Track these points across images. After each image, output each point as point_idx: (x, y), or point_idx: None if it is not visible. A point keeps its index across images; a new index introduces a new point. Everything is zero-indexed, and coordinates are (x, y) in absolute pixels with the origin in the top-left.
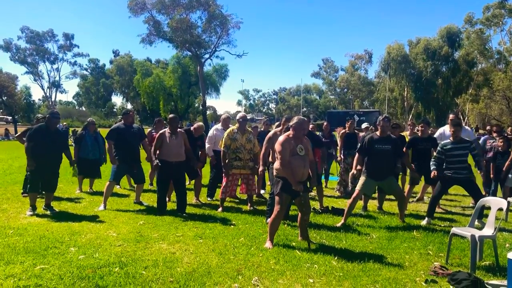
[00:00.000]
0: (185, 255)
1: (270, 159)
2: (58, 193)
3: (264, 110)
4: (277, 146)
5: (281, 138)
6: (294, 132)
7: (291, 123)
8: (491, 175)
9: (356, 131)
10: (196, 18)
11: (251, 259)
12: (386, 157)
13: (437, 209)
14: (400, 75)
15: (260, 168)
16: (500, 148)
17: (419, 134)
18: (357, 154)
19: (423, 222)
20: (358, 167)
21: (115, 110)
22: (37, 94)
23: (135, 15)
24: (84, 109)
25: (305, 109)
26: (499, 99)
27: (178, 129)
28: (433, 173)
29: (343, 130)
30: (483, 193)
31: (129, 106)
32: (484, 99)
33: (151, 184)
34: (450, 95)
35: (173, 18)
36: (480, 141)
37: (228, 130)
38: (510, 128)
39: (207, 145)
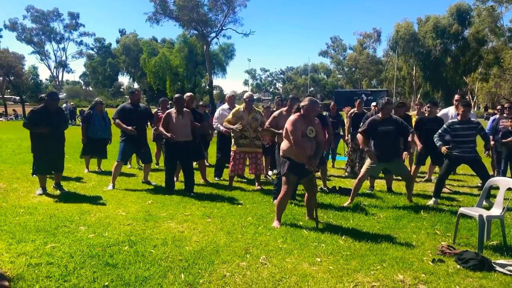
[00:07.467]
0: (193, 234)
1: (275, 139)
2: (66, 173)
3: (271, 90)
4: (289, 126)
5: (292, 118)
6: (306, 113)
7: (302, 104)
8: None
9: (365, 110)
10: None
11: (259, 238)
12: (391, 138)
13: (444, 189)
14: (408, 53)
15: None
16: (510, 128)
17: (426, 115)
18: (359, 135)
19: (430, 202)
20: (366, 148)
21: (122, 89)
22: (44, 74)
23: None
24: (91, 89)
25: (312, 88)
26: (510, 78)
27: (184, 109)
28: (443, 149)
29: (352, 110)
30: (491, 173)
31: (136, 85)
32: (494, 78)
33: (157, 163)
34: (459, 74)
35: None
36: (493, 121)
37: (234, 109)
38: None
39: (214, 121)
